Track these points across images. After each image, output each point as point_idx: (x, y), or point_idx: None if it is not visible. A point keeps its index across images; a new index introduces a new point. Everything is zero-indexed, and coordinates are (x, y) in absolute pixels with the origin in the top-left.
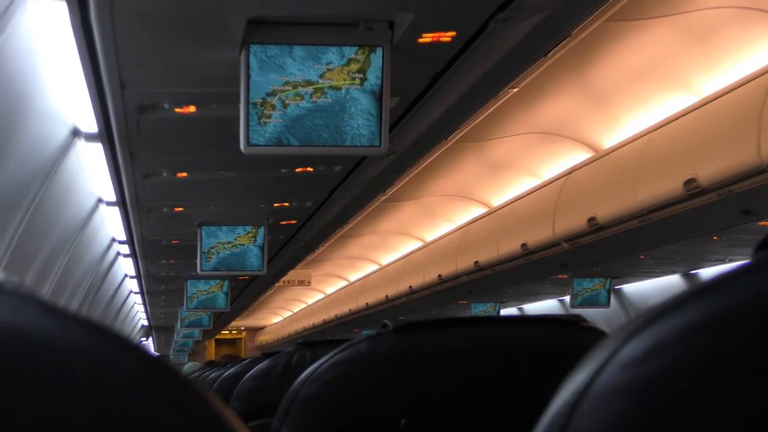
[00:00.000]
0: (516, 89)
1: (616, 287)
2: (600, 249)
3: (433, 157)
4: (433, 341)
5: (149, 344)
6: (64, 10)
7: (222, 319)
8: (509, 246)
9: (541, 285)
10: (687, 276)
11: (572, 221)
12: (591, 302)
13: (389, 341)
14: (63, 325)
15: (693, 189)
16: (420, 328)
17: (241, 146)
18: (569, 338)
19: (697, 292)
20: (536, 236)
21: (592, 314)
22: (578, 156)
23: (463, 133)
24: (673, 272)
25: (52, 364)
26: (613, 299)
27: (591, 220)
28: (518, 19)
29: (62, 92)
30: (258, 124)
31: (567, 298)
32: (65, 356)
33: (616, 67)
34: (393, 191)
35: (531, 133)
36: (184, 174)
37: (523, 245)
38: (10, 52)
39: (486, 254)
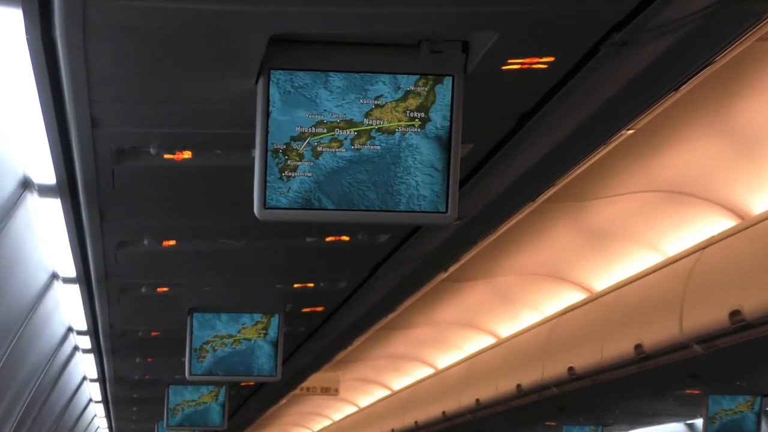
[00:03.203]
0: (631, 131)
1: None
2: (747, 355)
3: (513, 222)
4: None
5: None
6: (18, 19)
7: None
8: (618, 347)
9: (661, 402)
10: None
11: (708, 315)
12: (733, 429)
13: None
14: None
15: None
16: None
17: (255, 209)
18: None
19: None
20: (656, 334)
21: None
22: (716, 224)
23: (555, 190)
24: None
25: None
26: (764, 426)
27: (734, 314)
28: (641, 42)
29: (9, 130)
30: (279, 180)
31: (699, 422)
32: None
33: None
34: (456, 267)
35: (649, 191)
36: (172, 242)
37: (638, 347)
38: None
39: (585, 358)
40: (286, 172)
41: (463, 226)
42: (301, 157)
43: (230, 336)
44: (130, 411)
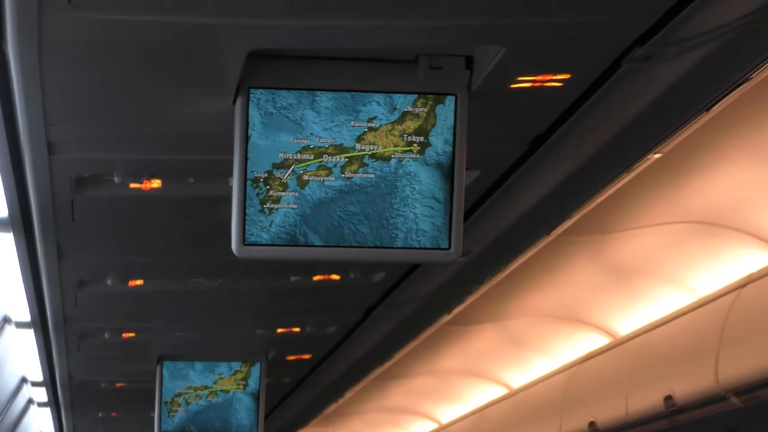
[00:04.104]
0: (657, 155)
1: None
2: None
3: (525, 258)
4: None
5: None
6: None
7: None
8: (645, 399)
9: None
10: None
11: (747, 363)
12: None
13: None
14: None
15: None
16: None
17: (234, 246)
18: None
19: None
20: (688, 385)
21: None
22: (756, 259)
23: (572, 222)
24: None
25: None
26: None
27: None
28: (667, 57)
29: None
30: (260, 212)
31: None
32: None
33: None
34: (461, 309)
35: (679, 222)
36: (139, 282)
37: (668, 399)
38: None
39: (608, 411)
40: (267, 204)
41: (469, 264)
42: (284, 186)
43: (205, 387)
44: None
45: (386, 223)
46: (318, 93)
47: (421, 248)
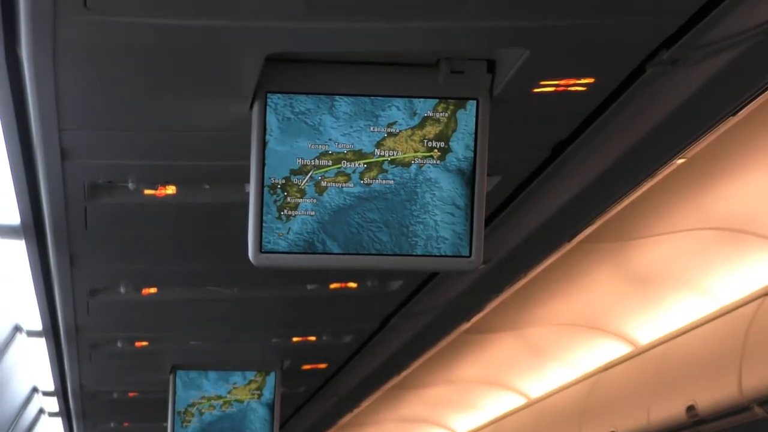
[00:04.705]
0: (681, 160)
1: None
2: None
3: (545, 265)
4: None
5: None
6: None
7: None
8: (667, 409)
9: None
10: None
11: None
12: None
13: None
14: None
15: None
16: None
17: (250, 253)
18: None
19: None
20: (711, 395)
21: None
22: None
23: (593, 228)
24: None
25: None
26: None
27: None
28: (693, 61)
29: None
30: (277, 219)
31: None
32: None
33: None
34: (480, 317)
35: (703, 229)
36: (153, 290)
37: (690, 409)
38: None
39: (629, 421)
40: (285, 211)
41: (488, 271)
42: (302, 193)
43: (219, 397)
44: None
45: (406, 230)
46: (336, 98)
47: (441, 256)
